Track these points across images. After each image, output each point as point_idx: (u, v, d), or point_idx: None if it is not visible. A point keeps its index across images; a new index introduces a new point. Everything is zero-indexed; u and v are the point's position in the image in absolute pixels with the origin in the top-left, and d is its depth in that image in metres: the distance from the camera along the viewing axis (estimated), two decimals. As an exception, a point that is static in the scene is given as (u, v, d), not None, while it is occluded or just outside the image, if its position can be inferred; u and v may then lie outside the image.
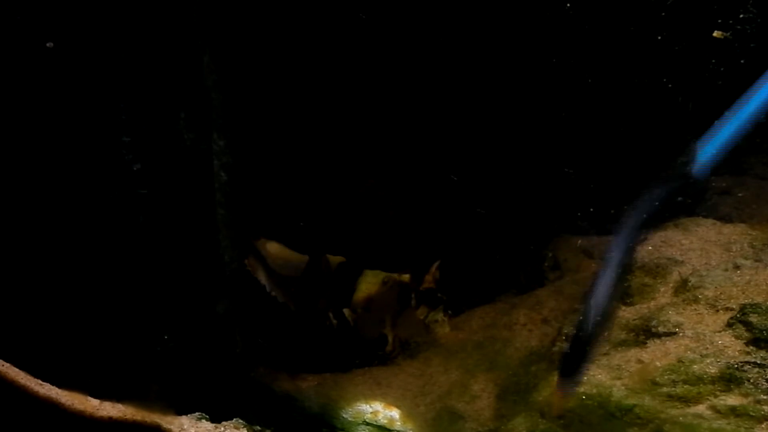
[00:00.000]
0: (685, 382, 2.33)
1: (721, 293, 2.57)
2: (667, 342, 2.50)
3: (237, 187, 2.95)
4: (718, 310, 2.53)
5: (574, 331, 2.11)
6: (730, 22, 3.34)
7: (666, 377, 2.36)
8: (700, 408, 2.26)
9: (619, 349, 2.62)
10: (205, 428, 2.08)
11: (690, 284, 2.65)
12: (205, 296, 2.78)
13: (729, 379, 2.28)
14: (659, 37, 3.40)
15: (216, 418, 2.17)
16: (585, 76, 3.42)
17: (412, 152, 3.42)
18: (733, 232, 2.93)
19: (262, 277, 3.18)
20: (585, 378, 2.52)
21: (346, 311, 3.38)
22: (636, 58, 3.45)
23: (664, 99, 3.54)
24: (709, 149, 2.10)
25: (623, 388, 2.42)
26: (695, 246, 2.87)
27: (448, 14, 3.22)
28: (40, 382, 1.83)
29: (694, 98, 3.53)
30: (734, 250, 2.81)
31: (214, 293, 2.81)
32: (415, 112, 3.32)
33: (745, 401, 2.21)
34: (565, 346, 2.73)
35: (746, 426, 2.15)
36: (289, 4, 3.18)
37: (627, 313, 2.75)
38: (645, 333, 2.59)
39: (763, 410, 2.16)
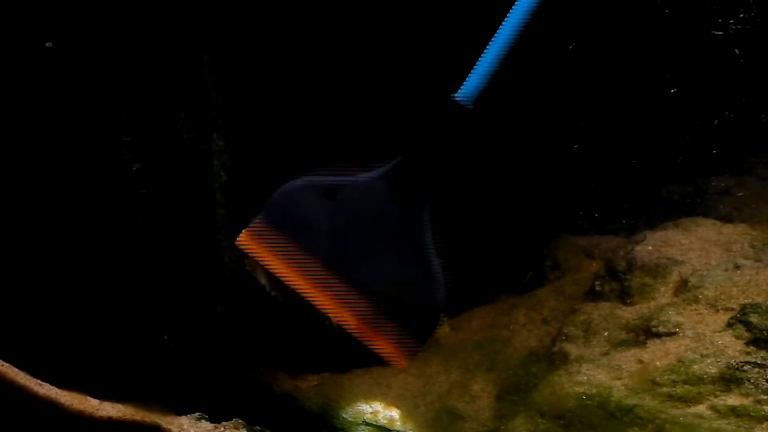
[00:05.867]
0: (685, 382, 2.33)
1: (721, 293, 2.57)
2: (667, 342, 2.50)
3: (237, 187, 2.95)
4: (718, 310, 2.53)
5: None
6: (730, 22, 3.34)
7: (666, 377, 2.36)
8: (701, 408, 2.25)
9: (619, 349, 2.62)
10: (205, 428, 2.08)
11: (690, 284, 2.65)
12: (205, 296, 2.78)
13: (729, 379, 2.28)
14: (660, 36, 3.40)
15: (216, 418, 2.17)
16: (584, 74, 3.42)
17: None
18: (734, 232, 2.93)
19: (262, 277, 3.18)
20: (585, 378, 2.53)
21: (346, 311, 3.37)
22: (636, 57, 3.45)
23: (664, 98, 3.54)
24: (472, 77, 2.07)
25: (623, 388, 2.42)
26: (695, 246, 2.87)
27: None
28: (40, 382, 1.83)
29: (694, 98, 3.53)
30: (734, 250, 2.81)
31: (214, 293, 2.81)
32: (417, 110, 3.32)
33: (745, 401, 2.21)
34: None
35: (746, 426, 2.15)
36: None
37: (627, 313, 2.75)
38: (645, 333, 2.59)
39: (764, 410, 2.16)
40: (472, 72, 2.06)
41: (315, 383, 3.10)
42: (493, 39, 2.07)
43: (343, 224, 2.11)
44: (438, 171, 2.11)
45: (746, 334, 2.39)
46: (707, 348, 2.40)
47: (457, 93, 2.06)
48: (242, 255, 2.30)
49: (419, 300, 2.15)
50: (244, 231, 2.14)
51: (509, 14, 2.06)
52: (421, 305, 2.15)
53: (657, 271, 2.80)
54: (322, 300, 2.14)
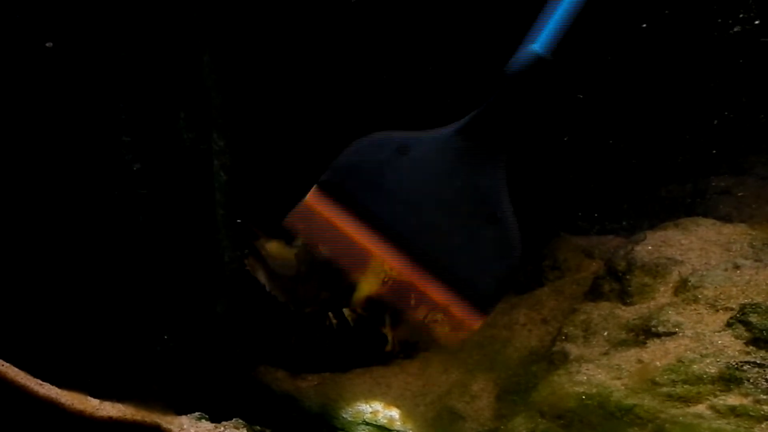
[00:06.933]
0: (684, 382, 2.33)
1: (720, 293, 2.57)
2: (667, 342, 2.50)
3: (237, 187, 2.95)
4: (717, 310, 2.53)
5: None
6: (730, 22, 3.34)
7: (666, 377, 2.36)
8: (700, 408, 2.26)
9: (619, 349, 2.62)
10: (205, 428, 2.08)
11: (690, 284, 2.65)
12: (205, 296, 2.78)
13: (729, 379, 2.28)
14: (660, 37, 3.40)
15: (216, 418, 2.17)
16: (585, 74, 3.42)
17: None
18: (733, 231, 2.93)
19: (262, 277, 3.18)
20: (585, 378, 2.53)
21: (346, 311, 3.38)
22: (636, 57, 3.45)
23: (665, 98, 3.54)
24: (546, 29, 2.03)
25: (623, 388, 2.42)
26: (695, 246, 2.87)
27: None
28: (40, 382, 1.83)
29: (694, 98, 3.53)
30: (734, 249, 2.81)
31: (214, 293, 2.81)
32: (418, 108, 3.32)
33: (744, 401, 2.21)
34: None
35: (746, 426, 2.15)
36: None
37: (627, 313, 2.75)
38: (645, 333, 2.59)
39: (763, 410, 2.17)
40: (548, 23, 2.02)
41: (315, 383, 3.10)
42: None
43: (416, 180, 2.05)
44: (515, 123, 2.07)
45: (746, 334, 2.39)
46: (707, 348, 2.40)
47: (536, 43, 2.01)
48: (292, 226, 2.14)
49: (494, 257, 2.08)
50: (314, 187, 2.07)
51: None
52: (496, 263, 2.08)
53: (657, 271, 2.80)
54: (394, 261, 2.07)
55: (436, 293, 2.09)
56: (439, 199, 2.07)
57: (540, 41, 2.01)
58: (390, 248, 2.06)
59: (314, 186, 2.03)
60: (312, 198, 2.03)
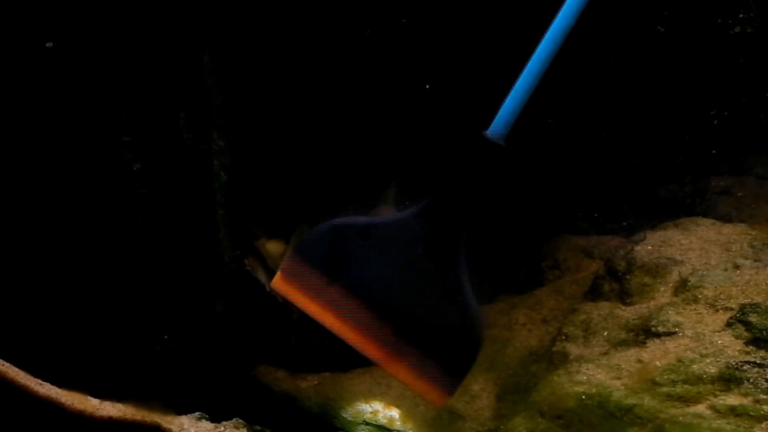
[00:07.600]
0: (684, 381, 2.33)
1: (720, 293, 2.57)
2: (667, 342, 2.50)
3: (237, 187, 2.96)
4: (717, 310, 2.53)
5: None
6: (730, 22, 3.34)
7: (666, 377, 2.36)
8: (700, 408, 2.26)
9: (619, 348, 2.62)
10: (205, 428, 2.08)
11: (690, 284, 2.65)
12: (205, 296, 2.78)
13: (728, 379, 2.28)
14: (660, 37, 3.41)
15: (216, 418, 2.17)
16: (585, 74, 3.42)
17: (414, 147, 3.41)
18: (733, 231, 2.93)
19: (262, 277, 3.18)
20: (585, 378, 2.53)
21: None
22: (636, 57, 3.45)
23: (664, 98, 3.54)
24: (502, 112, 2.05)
25: (623, 387, 2.42)
26: (695, 246, 2.87)
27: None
28: (40, 381, 1.83)
29: (694, 98, 3.53)
30: (734, 249, 2.81)
31: (214, 293, 2.81)
32: (418, 109, 3.33)
33: (744, 401, 2.21)
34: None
35: (745, 426, 2.15)
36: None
37: (627, 313, 2.75)
38: (645, 333, 2.59)
39: (763, 410, 2.17)
40: (501, 109, 2.03)
41: (315, 383, 3.11)
42: (521, 76, 2.02)
43: (378, 264, 2.11)
44: (470, 207, 2.11)
45: (746, 334, 2.39)
46: (707, 348, 2.40)
47: (489, 130, 2.04)
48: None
49: (457, 337, 2.13)
50: (278, 272, 2.13)
51: (536, 51, 2.02)
52: (458, 343, 2.13)
53: (657, 270, 2.80)
54: (361, 341, 2.13)
55: (408, 371, 2.15)
56: (403, 280, 2.13)
57: (493, 128, 2.04)
58: (362, 328, 2.13)
59: (279, 270, 2.11)
60: (279, 280, 2.10)
